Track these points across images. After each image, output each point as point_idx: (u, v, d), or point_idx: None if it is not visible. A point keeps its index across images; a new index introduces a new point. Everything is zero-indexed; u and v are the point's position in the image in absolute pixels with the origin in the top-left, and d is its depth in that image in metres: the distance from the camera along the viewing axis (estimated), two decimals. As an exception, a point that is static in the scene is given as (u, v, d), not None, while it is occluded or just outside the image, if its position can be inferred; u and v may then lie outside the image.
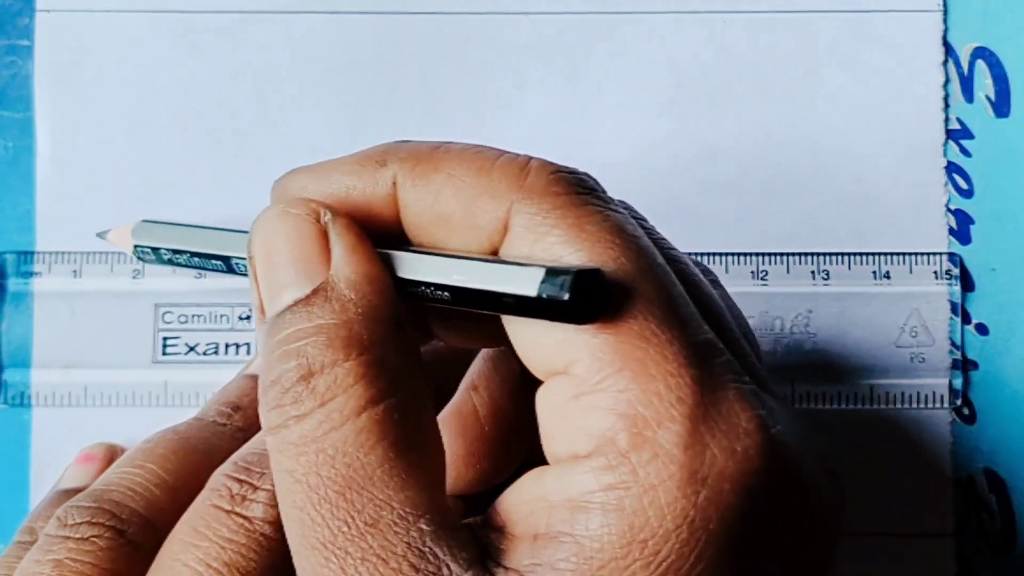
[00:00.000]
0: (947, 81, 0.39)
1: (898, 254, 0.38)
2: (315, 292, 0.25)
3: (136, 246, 0.32)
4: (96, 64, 0.39)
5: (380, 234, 0.26)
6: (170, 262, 0.32)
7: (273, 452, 0.25)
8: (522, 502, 0.24)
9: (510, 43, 0.39)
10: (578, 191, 0.25)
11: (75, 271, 0.39)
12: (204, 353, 0.39)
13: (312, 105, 0.39)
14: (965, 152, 0.38)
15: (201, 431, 0.34)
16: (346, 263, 0.25)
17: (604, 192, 0.25)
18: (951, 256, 0.38)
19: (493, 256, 0.25)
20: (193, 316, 0.39)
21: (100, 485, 0.31)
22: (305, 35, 0.39)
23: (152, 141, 0.39)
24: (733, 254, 0.38)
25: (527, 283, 0.23)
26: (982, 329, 0.38)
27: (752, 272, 0.38)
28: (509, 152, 0.25)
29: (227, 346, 0.39)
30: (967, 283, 0.38)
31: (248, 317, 0.39)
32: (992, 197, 0.38)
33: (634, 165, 0.39)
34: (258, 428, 0.33)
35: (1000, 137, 0.38)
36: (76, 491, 0.32)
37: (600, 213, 0.24)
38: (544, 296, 0.23)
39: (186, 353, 0.39)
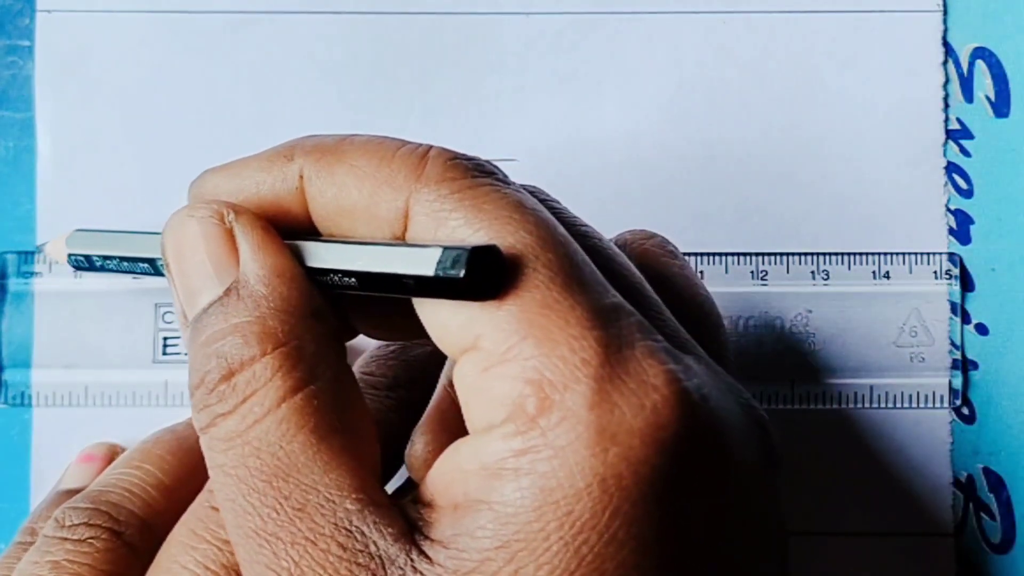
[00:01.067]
0: (947, 81, 0.39)
1: (898, 254, 0.38)
2: (227, 292, 0.25)
3: (70, 255, 0.33)
4: (96, 64, 0.39)
5: (293, 229, 0.27)
6: (103, 268, 0.33)
7: (205, 450, 0.26)
8: (441, 474, 0.25)
9: (510, 43, 0.39)
10: (474, 174, 0.25)
11: (76, 271, 0.39)
12: (204, 353, 0.39)
13: (312, 105, 0.39)
14: (965, 152, 0.38)
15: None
16: (253, 260, 0.26)
17: (503, 175, 0.26)
18: (951, 256, 0.38)
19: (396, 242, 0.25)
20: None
21: (97, 486, 0.31)
22: (304, 35, 0.39)
23: (152, 141, 0.39)
24: (733, 254, 0.38)
25: (424, 263, 0.24)
26: (982, 329, 0.38)
27: (752, 272, 0.38)
28: (410, 142, 0.26)
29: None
30: (967, 283, 0.38)
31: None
32: (992, 197, 0.38)
33: (634, 165, 0.39)
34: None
35: (1000, 137, 0.38)
36: (77, 491, 0.32)
37: (497, 192, 0.25)
38: (441, 274, 0.23)
39: (186, 353, 0.39)
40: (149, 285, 0.39)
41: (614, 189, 0.39)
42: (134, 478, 0.31)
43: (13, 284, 0.39)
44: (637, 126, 0.39)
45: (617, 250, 0.28)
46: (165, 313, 0.39)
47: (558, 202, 0.29)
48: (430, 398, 0.35)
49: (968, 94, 0.38)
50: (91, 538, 0.29)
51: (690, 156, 0.39)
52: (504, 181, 0.26)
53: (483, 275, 0.23)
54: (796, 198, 0.38)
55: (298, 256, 0.26)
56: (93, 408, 0.38)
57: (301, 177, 0.26)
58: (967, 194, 0.38)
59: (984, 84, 0.38)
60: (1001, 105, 0.38)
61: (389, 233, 0.25)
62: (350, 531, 0.24)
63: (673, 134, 0.39)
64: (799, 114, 0.39)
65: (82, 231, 0.33)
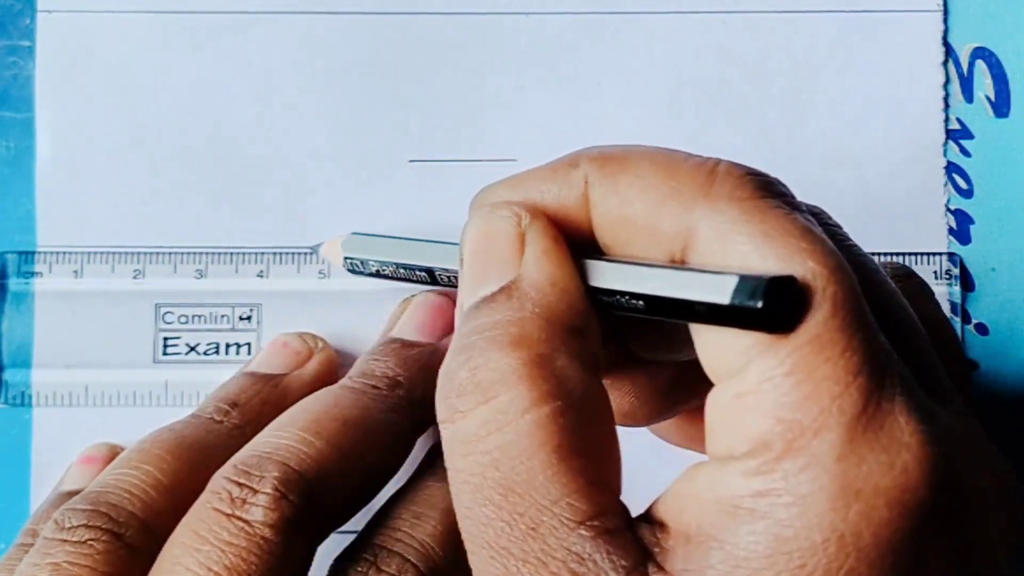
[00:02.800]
0: (947, 81, 0.39)
1: (898, 254, 0.38)
2: (501, 290, 0.25)
3: (346, 258, 0.34)
4: (97, 65, 0.39)
5: (575, 237, 0.26)
6: (376, 274, 0.33)
7: (444, 445, 0.25)
8: (677, 496, 0.24)
9: (510, 43, 0.39)
10: (764, 194, 0.24)
11: (76, 271, 0.39)
12: (205, 353, 0.39)
13: (312, 105, 0.39)
14: (965, 152, 0.38)
15: (198, 429, 0.34)
16: (534, 265, 0.25)
17: (792, 196, 0.25)
18: (951, 256, 0.38)
19: (679, 262, 0.25)
20: (193, 316, 0.39)
21: (97, 487, 0.31)
22: (305, 35, 0.39)
23: (153, 141, 0.39)
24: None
25: (720, 291, 0.23)
26: (982, 329, 0.38)
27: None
28: (697, 156, 0.25)
29: (227, 346, 0.39)
30: (967, 283, 0.38)
31: (248, 317, 0.39)
32: (992, 197, 0.38)
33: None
34: (255, 426, 0.33)
35: (1000, 137, 0.38)
36: (77, 492, 0.32)
37: (787, 218, 0.24)
38: (737, 304, 0.23)
39: (187, 353, 0.39)
40: (149, 285, 0.39)
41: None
42: (134, 479, 0.31)
43: (13, 284, 0.39)
44: (637, 126, 0.39)
45: (893, 285, 0.27)
46: (165, 313, 0.39)
47: (840, 226, 0.28)
48: (430, 398, 0.36)
49: (968, 94, 0.38)
50: (91, 540, 0.29)
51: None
52: (793, 203, 0.25)
53: (778, 307, 0.23)
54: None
55: (582, 272, 0.26)
56: (93, 408, 0.38)
57: (586, 184, 0.26)
58: (967, 194, 0.38)
59: (984, 84, 0.38)
60: (1001, 105, 0.38)
61: (669, 249, 0.25)
62: (583, 559, 0.23)
63: (673, 134, 0.39)
64: (799, 114, 0.39)
65: (358, 235, 0.34)
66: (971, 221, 0.38)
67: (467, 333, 0.25)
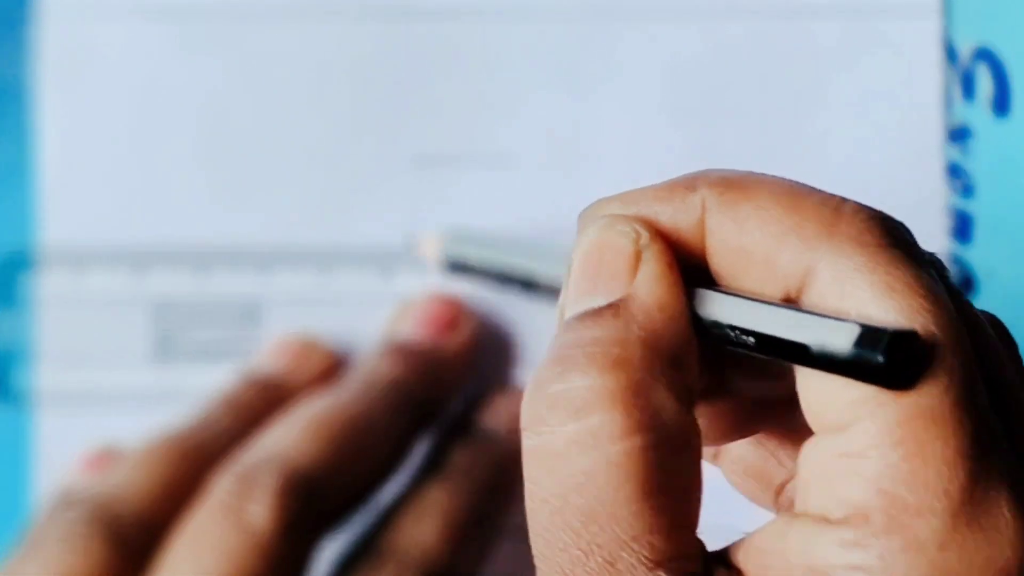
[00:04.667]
0: (947, 81, 0.38)
1: (898, 254, 0.38)
2: (608, 306, 0.24)
3: (444, 255, 0.33)
4: (99, 65, 0.39)
5: (686, 262, 0.25)
6: (473, 273, 0.32)
7: (525, 454, 0.24)
8: (762, 551, 0.23)
9: (510, 44, 0.39)
10: (891, 243, 0.23)
11: (76, 271, 0.39)
12: (204, 353, 0.39)
13: (313, 105, 0.39)
14: (965, 152, 0.38)
15: (198, 431, 0.34)
16: (646, 287, 0.24)
17: (916, 243, 0.24)
18: (951, 256, 0.38)
19: (793, 300, 0.24)
20: (193, 316, 0.39)
21: (97, 490, 0.31)
22: (306, 36, 0.39)
23: (154, 141, 0.39)
24: (733, 254, 0.38)
25: (840, 340, 0.22)
26: (982, 329, 0.38)
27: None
28: (822, 191, 0.24)
29: (227, 346, 0.39)
30: (967, 283, 0.38)
31: (248, 317, 0.39)
32: (992, 197, 0.38)
33: (634, 168, 0.39)
34: (255, 427, 0.33)
35: (1000, 137, 0.38)
36: (78, 493, 0.32)
37: (912, 272, 0.23)
38: (857, 354, 0.22)
39: (186, 353, 0.39)
40: (149, 285, 0.39)
41: (613, 189, 0.38)
42: (134, 480, 0.31)
43: (14, 284, 0.39)
44: (637, 127, 0.39)
45: (1002, 351, 0.26)
46: (165, 313, 0.39)
47: (954, 284, 0.27)
48: (430, 399, 0.36)
49: (968, 94, 0.38)
50: (91, 542, 0.29)
51: (690, 157, 0.39)
52: (918, 253, 0.24)
53: (899, 363, 0.21)
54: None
55: (693, 301, 0.25)
56: (94, 409, 0.38)
57: (702, 209, 0.25)
58: (967, 194, 0.38)
59: (984, 84, 0.38)
60: (1001, 105, 0.38)
61: (784, 285, 0.24)
62: None
63: (673, 135, 0.39)
64: (799, 114, 0.39)
65: (457, 233, 0.33)
66: (971, 221, 0.38)
67: (567, 344, 0.24)
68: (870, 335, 0.22)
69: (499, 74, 0.39)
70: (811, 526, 0.23)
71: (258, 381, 0.36)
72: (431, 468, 0.34)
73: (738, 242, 0.24)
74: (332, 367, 0.37)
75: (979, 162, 0.38)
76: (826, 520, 0.22)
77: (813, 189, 0.24)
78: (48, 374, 0.38)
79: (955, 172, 0.38)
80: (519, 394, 0.38)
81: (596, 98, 0.39)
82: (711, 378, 0.27)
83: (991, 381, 0.24)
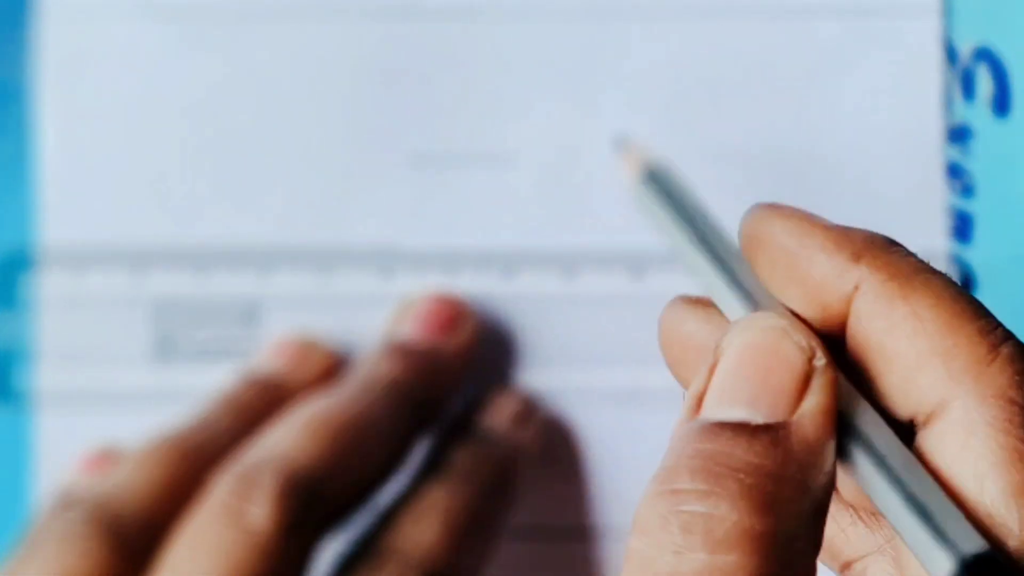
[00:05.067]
0: (947, 81, 0.38)
1: (898, 254, 0.38)
2: (767, 427, 0.22)
3: (646, 182, 0.29)
4: (99, 64, 0.39)
5: (821, 324, 0.24)
6: (661, 226, 0.28)
7: (632, 556, 0.22)
8: None
9: (510, 44, 0.39)
10: None
11: (76, 271, 0.39)
12: (204, 353, 0.39)
13: (313, 105, 0.39)
14: (965, 152, 0.38)
15: (198, 431, 0.34)
16: (812, 420, 0.22)
17: None
18: (951, 256, 0.38)
19: (920, 423, 0.22)
20: (193, 316, 0.39)
21: (97, 491, 0.31)
22: (306, 36, 0.39)
23: (154, 141, 0.39)
24: (733, 254, 0.38)
25: (939, 566, 0.21)
26: (982, 329, 0.38)
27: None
28: (988, 316, 0.23)
29: (227, 346, 0.39)
30: (967, 283, 0.38)
31: (248, 317, 0.39)
32: (992, 197, 0.38)
33: (634, 166, 0.39)
34: (255, 427, 0.33)
35: (1000, 137, 0.38)
36: (78, 494, 0.32)
37: None
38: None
39: (187, 353, 0.39)
40: (149, 285, 0.39)
41: (614, 190, 0.39)
42: (134, 481, 0.31)
43: (13, 284, 0.39)
44: (637, 127, 0.39)
45: None
46: (165, 313, 0.39)
47: None
48: (430, 399, 0.36)
49: (968, 94, 0.38)
50: (92, 543, 0.29)
51: (690, 157, 0.39)
52: None
53: None
54: (795, 198, 0.38)
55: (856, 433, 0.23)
56: (94, 409, 0.38)
57: (856, 290, 0.23)
58: (967, 194, 0.38)
59: (984, 84, 0.38)
60: (1001, 105, 0.38)
61: (914, 410, 0.22)
62: None
63: (673, 135, 0.39)
64: (798, 114, 0.39)
65: (662, 170, 0.29)
66: (971, 221, 0.38)
67: (712, 458, 0.22)
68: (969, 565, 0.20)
69: (499, 74, 0.39)
70: None
71: (258, 381, 0.36)
72: (431, 468, 0.34)
73: (882, 341, 0.23)
74: (332, 367, 0.37)
75: (979, 162, 0.38)
76: None
77: (977, 312, 0.23)
78: (48, 374, 0.38)
79: (955, 172, 0.38)
80: (519, 394, 0.38)
81: (597, 98, 0.39)
82: None
83: None
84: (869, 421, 0.23)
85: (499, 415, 0.37)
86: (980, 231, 0.38)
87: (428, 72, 0.39)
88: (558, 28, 0.39)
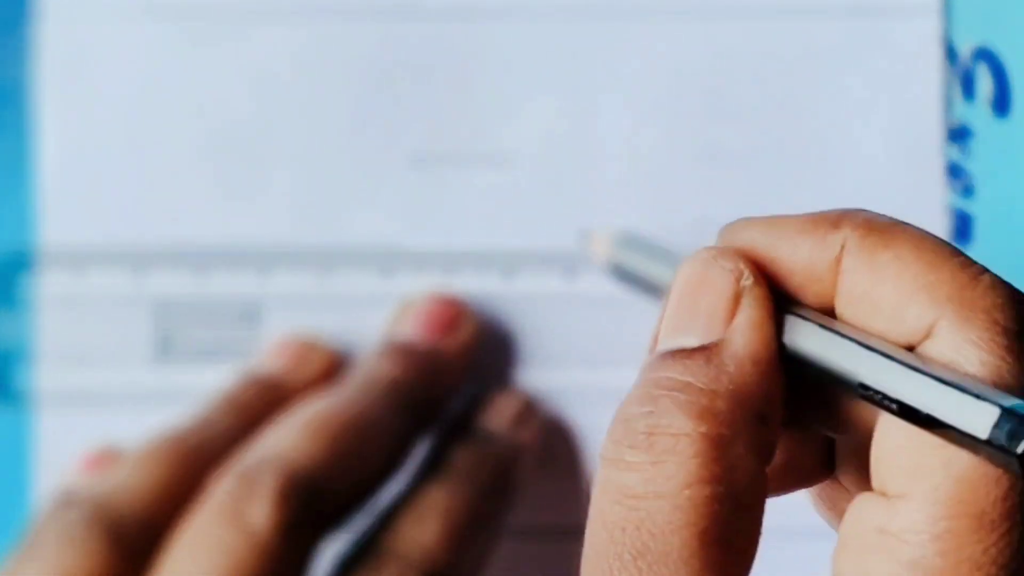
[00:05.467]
0: (947, 81, 0.38)
1: (898, 254, 0.38)
2: (700, 349, 0.24)
3: (612, 262, 0.31)
4: (99, 65, 0.39)
5: (812, 299, 0.25)
6: (638, 285, 0.30)
7: (599, 482, 0.24)
8: None
9: (510, 44, 0.39)
10: (1020, 330, 0.22)
11: (76, 271, 0.39)
12: (205, 353, 0.39)
13: (312, 105, 0.39)
14: (965, 152, 0.38)
15: (198, 431, 0.34)
16: (741, 335, 0.24)
17: None
18: (951, 256, 0.38)
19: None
20: (193, 316, 0.39)
21: (97, 490, 0.31)
22: (306, 36, 0.39)
23: (153, 141, 0.39)
24: (733, 254, 0.38)
25: (978, 420, 0.21)
26: (982, 329, 0.38)
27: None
28: (965, 255, 0.24)
29: (227, 346, 0.39)
30: (967, 283, 0.38)
31: (248, 317, 0.39)
32: (992, 197, 0.38)
33: (634, 167, 0.39)
34: (256, 427, 0.33)
35: (1000, 137, 0.38)
36: (78, 494, 0.32)
37: None
38: (994, 442, 0.21)
39: (187, 353, 0.39)
40: (149, 285, 0.39)
41: (614, 190, 0.39)
42: (134, 481, 0.31)
43: (14, 284, 0.39)
44: (637, 127, 0.39)
45: None
46: (165, 313, 0.39)
47: None
48: (431, 399, 0.36)
49: (968, 94, 0.38)
50: (92, 543, 0.29)
51: (690, 157, 0.39)
52: None
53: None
54: (796, 198, 0.38)
55: (790, 334, 0.24)
56: (94, 409, 0.38)
57: (842, 249, 0.24)
58: (967, 194, 0.38)
59: (984, 84, 0.38)
60: (1001, 105, 0.38)
61: (906, 340, 0.23)
62: None
63: (673, 135, 0.39)
64: (799, 114, 0.39)
65: (628, 238, 0.31)
66: (971, 221, 0.38)
67: (655, 383, 0.24)
68: (1010, 418, 0.21)
69: (499, 74, 0.39)
70: None
71: (258, 381, 0.36)
72: (431, 468, 0.34)
73: (870, 289, 0.24)
74: (332, 367, 0.37)
75: (979, 162, 0.38)
76: None
77: (955, 251, 0.24)
78: (48, 374, 0.38)
79: (955, 172, 0.38)
80: (519, 394, 0.38)
81: (596, 98, 0.39)
82: (789, 426, 0.27)
83: None
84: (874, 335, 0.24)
85: (499, 415, 0.37)
86: (980, 231, 0.38)
87: (428, 72, 0.39)
88: (558, 28, 0.39)
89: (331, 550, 0.31)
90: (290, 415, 0.32)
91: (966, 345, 0.22)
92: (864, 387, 0.23)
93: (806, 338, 0.24)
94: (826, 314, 0.24)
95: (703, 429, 0.23)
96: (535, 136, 0.39)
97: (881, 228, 0.24)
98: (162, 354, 0.39)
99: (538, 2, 0.39)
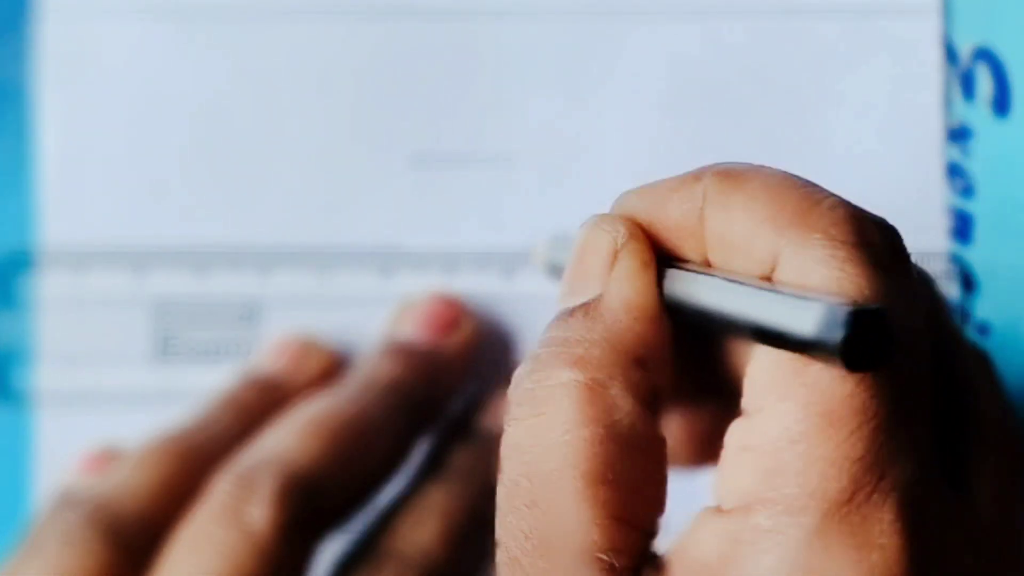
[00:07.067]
0: (947, 81, 0.38)
1: (898, 254, 0.38)
2: (581, 306, 0.25)
3: (545, 262, 0.32)
4: (98, 64, 0.39)
5: (691, 254, 0.26)
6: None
7: (502, 443, 0.25)
8: (677, 545, 0.24)
9: (510, 43, 0.39)
10: (858, 242, 0.23)
11: (76, 271, 0.39)
12: (205, 353, 0.39)
13: (312, 104, 0.39)
14: (965, 152, 0.38)
15: (198, 431, 0.34)
16: (616, 287, 0.25)
17: (895, 249, 0.24)
18: (951, 256, 0.38)
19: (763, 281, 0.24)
20: (194, 316, 0.39)
21: (97, 491, 0.31)
22: (306, 36, 0.39)
23: (153, 141, 0.39)
24: (733, 254, 0.38)
25: (803, 319, 0.22)
26: (983, 329, 0.38)
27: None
28: (814, 186, 0.25)
29: (227, 346, 0.39)
30: (968, 283, 0.38)
31: (248, 317, 0.39)
32: (992, 197, 0.38)
33: (634, 166, 0.39)
34: (255, 428, 0.33)
35: (1000, 137, 0.38)
36: (78, 494, 0.32)
37: (871, 275, 0.23)
38: (819, 339, 0.21)
39: (187, 353, 0.39)
40: (149, 285, 0.39)
41: (614, 189, 0.38)
42: (133, 482, 0.31)
43: (14, 284, 0.39)
44: (637, 126, 0.39)
45: (981, 382, 0.27)
46: (165, 313, 0.39)
47: (939, 298, 0.27)
48: (430, 399, 0.36)
49: (968, 94, 0.38)
50: (91, 543, 0.29)
51: (690, 157, 0.38)
52: (887, 257, 0.24)
53: (861, 343, 0.21)
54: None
55: (665, 284, 0.25)
56: (94, 409, 0.38)
57: (704, 198, 0.25)
58: (967, 194, 0.38)
59: (984, 84, 0.38)
60: (1001, 105, 0.38)
61: (757, 273, 0.24)
62: None
63: (673, 135, 0.39)
64: (799, 114, 0.39)
65: (562, 241, 0.32)
66: (971, 221, 0.38)
67: (541, 343, 0.25)
68: (834, 312, 0.21)
69: (499, 74, 0.39)
70: (706, 517, 0.23)
71: (258, 381, 0.36)
72: (431, 469, 0.34)
73: (725, 230, 0.24)
74: (332, 367, 0.37)
75: (979, 162, 0.38)
76: (719, 511, 0.23)
77: (806, 183, 0.25)
78: (48, 374, 0.38)
79: (955, 172, 0.38)
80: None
81: (596, 98, 0.39)
82: (690, 388, 0.28)
83: (955, 408, 0.24)
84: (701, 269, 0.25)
85: (499, 416, 0.37)
86: (980, 231, 0.38)
87: (428, 72, 0.39)
88: (558, 27, 0.39)
89: (331, 550, 0.31)
90: (290, 415, 0.32)
91: (807, 264, 0.23)
92: (723, 318, 0.24)
93: (674, 284, 0.25)
94: (704, 266, 0.25)
95: (578, 376, 0.24)
96: (535, 136, 0.39)
97: (735, 173, 0.25)
98: (162, 354, 0.39)
99: (538, 2, 0.39)
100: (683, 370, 0.27)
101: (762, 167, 0.25)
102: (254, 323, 0.39)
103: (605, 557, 0.23)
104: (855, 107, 0.38)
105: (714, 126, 0.39)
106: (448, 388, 0.36)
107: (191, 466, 0.32)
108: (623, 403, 0.24)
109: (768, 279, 0.24)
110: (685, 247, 0.25)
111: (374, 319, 0.38)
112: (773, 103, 0.39)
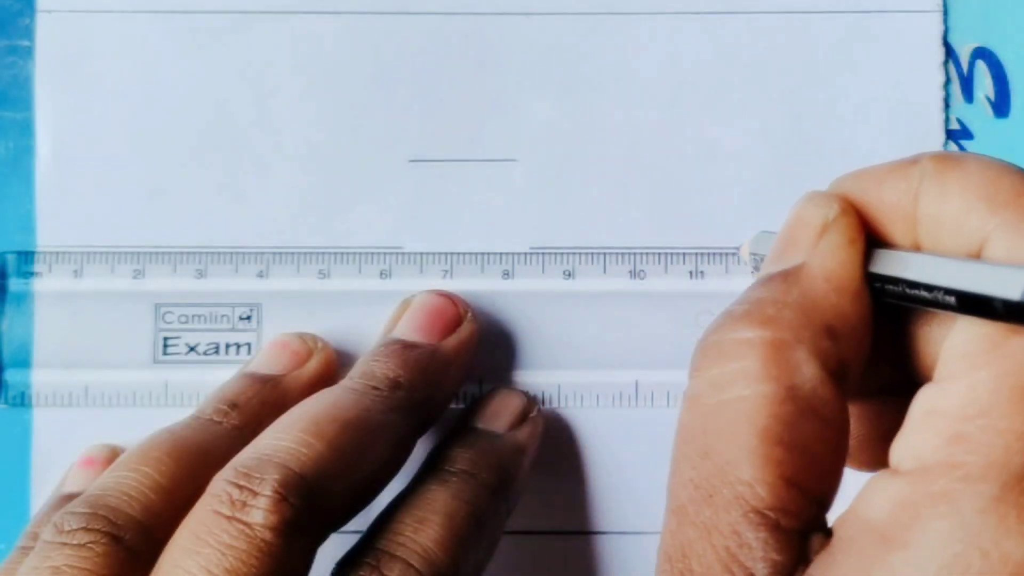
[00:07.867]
0: (947, 81, 0.38)
1: (898, 254, 0.38)
2: (783, 272, 0.26)
3: (752, 254, 0.33)
4: (97, 64, 0.39)
5: (904, 236, 0.26)
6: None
7: (684, 393, 0.26)
8: (848, 510, 0.24)
9: (510, 43, 0.39)
10: None
11: (76, 271, 0.39)
12: (204, 353, 0.39)
13: (312, 104, 0.39)
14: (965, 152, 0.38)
15: (197, 431, 0.34)
16: (819, 257, 0.26)
17: None
18: (951, 256, 0.38)
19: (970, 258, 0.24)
20: (193, 316, 0.39)
21: (96, 490, 0.31)
22: (305, 35, 0.39)
23: (153, 141, 0.39)
24: (733, 253, 0.38)
25: (1012, 286, 0.22)
26: (982, 329, 0.38)
27: (752, 271, 0.38)
28: None
29: (227, 346, 0.39)
30: (967, 283, 0.38)
31: (248, 317, 0.39)
32: (992, 197, 0.38)
33: (634, 165, 0.39)
34: (255, 427, 0.33)
35: (1000, 137, 0.38)
36: (77, 494, 0.32)
37: None
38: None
39: (186, 353, 0.39)
40: (149, 285, 0.39)
41: (614, 189, 0.39)
42: (133, 481, 0.31)
43: (13, 284, 0.39)
44: (637, 126, 0.39)
45: None
46: (165, 313, 0.39)
47: None
48: (430, 399, 0.36)
49: (968, 94, 0.38)
50: (90, 543, 0.29)
51: (690, 157, 0.39)
52: None
53: None
54: (796, 198, 0.38)
55: (874, 263, 0.26)
56: (93, 409, 0.38)
57: (919, 180, 0.26)
58: (967, 194, 0.38)
59: (984, 84, 0.38)
60: (1001, 105, 0.38)
61: (966, 250, 0.25)
62: (741, 542, 0.23)
63: (673, 134, 0.39)
64: (799, 114, 0.39)
65: (764, 233, 0.32)
66: (971, 221, 0.38)
67: (738, 301, 0.26)
68: None
69: (499, 74, 0.39)
70: (881, 479, 0.23)
71: (257, 381, 0.36)
72: (431, 468, 0.34)
73: (939, 208, 0.25)
74: (332, 367, 0.37)
75: (979, 162, 0.38)
76: (895, 472, 0.23)
77: (1021, 169, 0.25)
78: (48, 374, 0.38)
79: (955, 172, 0.38)
80: (519, 394, 0.38)
81: (597, 97, 0.39)
82: (878, 383, 0.28)
83: None
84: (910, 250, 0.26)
85: (499, 415, 0.37)
86: (980, 231, 0.38)
87: (428, 72, 0.39)
88: (558, 27, 0.39)
89: (331, 550, 0.31)
90: (290, 415, 0.32)
91: (1019, 241, 0.23)
92: (928, 289, 0.24)
93: (879, 262, 0.26)
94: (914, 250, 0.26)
95: (765, 334, 0.24)
96: (535, 136, 0.39)
97: (953, 156, 0.25)
98: (162, 354, 0.39)
99: (539, 2, 0.39)
100: (875, 362, 0.27)
101: (979, 155, 0.26)
102: (254, 323, 0.39)
103: (771, 514, 0.23)
104: (855, 107, 0.38)
105: (714, 126, 0.39)
106: (448, 388, 0.36)
107: (191, 466, 0.32)
108: (807, 368, 0.24)
109: (976, 254, 0.24)
110: (895, 231, 0.26)
111: (374, 319, 0.38)
112: (773, 103, 0.39)
